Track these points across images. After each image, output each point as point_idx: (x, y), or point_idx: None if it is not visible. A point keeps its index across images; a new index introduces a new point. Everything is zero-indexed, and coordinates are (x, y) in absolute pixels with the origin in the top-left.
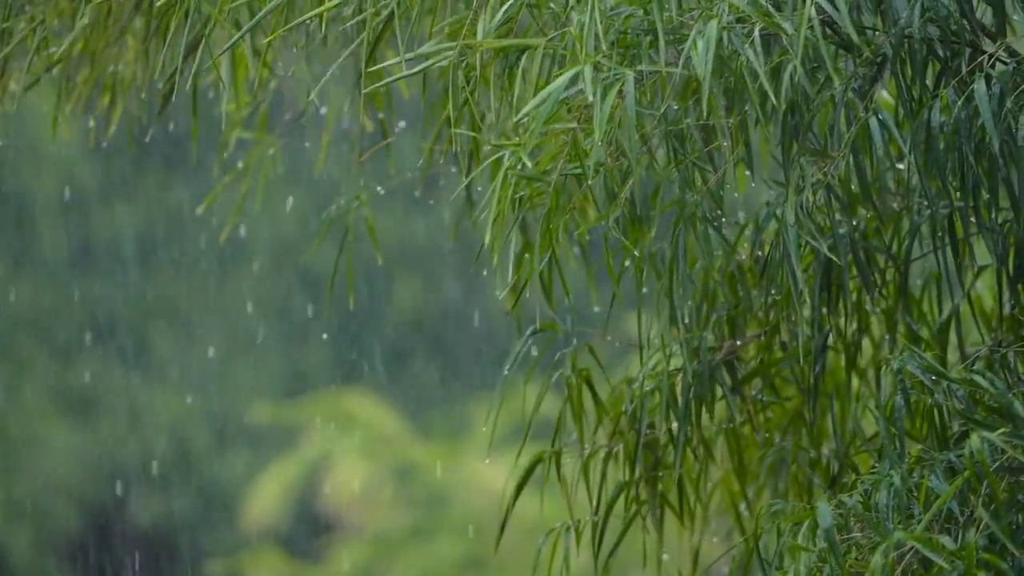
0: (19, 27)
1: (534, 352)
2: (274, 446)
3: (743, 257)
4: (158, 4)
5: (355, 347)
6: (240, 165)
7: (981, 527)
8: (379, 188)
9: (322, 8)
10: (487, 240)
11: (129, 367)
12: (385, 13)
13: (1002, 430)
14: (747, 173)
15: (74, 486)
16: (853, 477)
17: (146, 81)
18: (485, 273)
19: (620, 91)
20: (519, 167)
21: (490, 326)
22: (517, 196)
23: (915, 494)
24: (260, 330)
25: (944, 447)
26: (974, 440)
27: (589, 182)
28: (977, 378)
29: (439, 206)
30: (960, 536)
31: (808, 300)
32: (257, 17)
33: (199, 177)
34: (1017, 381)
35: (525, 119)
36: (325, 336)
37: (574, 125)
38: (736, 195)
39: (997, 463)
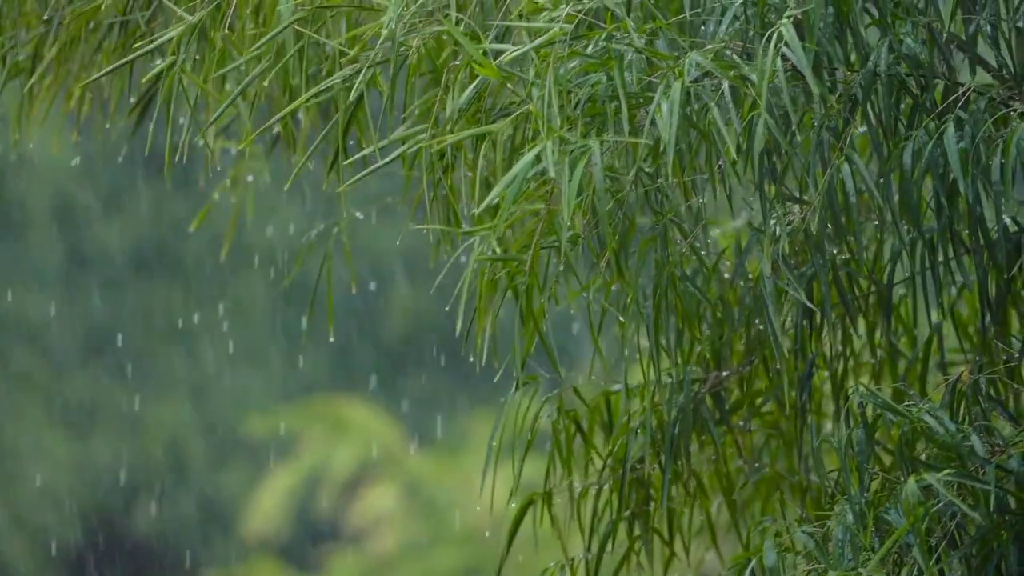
0: None
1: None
2: (272, 456)
3: (725, 275)
4: (143, 80)
5: (354, 357)
6: (227, 182)
7: (931, 563)
8: (358, 214)
9: (298, 103)
10: (459, 328)
11: (127, 378)
12: (355, 96)
13: (946, 471)
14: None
15: (72, 497)
16: (828, 505)
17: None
18: (472, 359)
19: (588, 162)
20: (491, 252)
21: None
22: (495, 279)
23: (869, 528)
24: (258, 340)
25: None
26: (910, 485)
27: (565, 256)
28: (927, 418)
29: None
30: (904, 573)
31: (790, 331)
32: (242, 85)
33: (195, 187)
34: (994, 404)
35: (495, 200)
36: (323, 346)
37: (542, 207)
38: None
39: (945, 499)
